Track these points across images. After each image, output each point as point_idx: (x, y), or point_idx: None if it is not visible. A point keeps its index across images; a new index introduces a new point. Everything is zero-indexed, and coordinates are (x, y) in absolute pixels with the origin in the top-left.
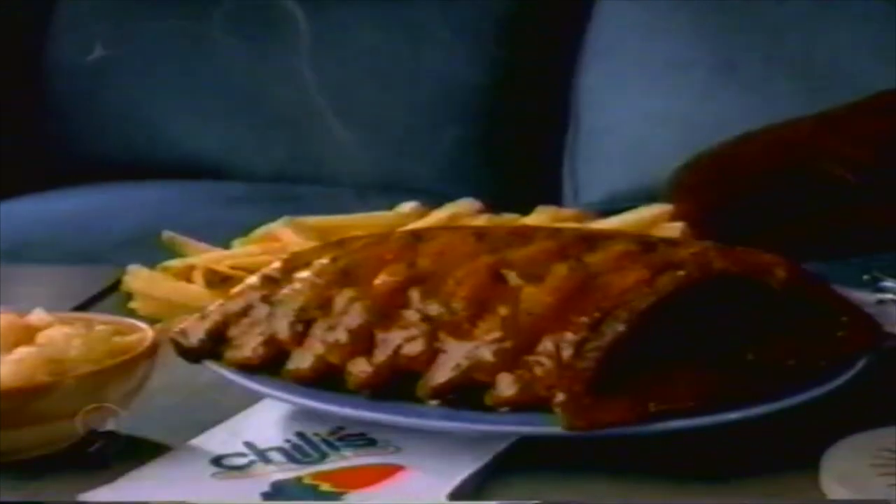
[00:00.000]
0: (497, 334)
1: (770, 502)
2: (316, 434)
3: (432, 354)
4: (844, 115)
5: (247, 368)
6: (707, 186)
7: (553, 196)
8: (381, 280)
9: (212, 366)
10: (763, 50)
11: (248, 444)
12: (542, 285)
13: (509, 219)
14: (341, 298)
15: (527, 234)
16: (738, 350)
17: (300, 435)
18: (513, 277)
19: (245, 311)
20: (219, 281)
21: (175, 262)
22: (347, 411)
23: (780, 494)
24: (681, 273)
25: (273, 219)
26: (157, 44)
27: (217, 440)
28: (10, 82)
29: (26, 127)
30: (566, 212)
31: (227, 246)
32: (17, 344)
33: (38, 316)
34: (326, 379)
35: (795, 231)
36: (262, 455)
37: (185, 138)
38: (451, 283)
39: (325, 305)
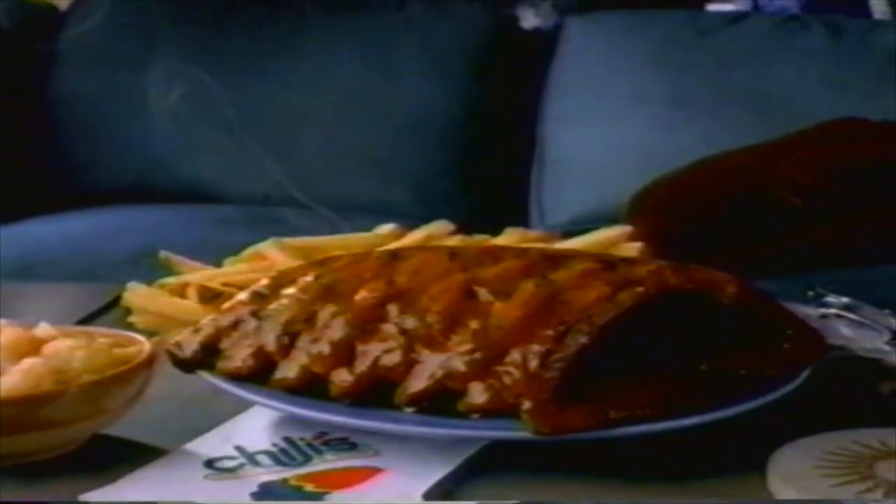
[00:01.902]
0: (469, 346)
1: (722, 502)
2: (301, 438)
3: (409, 365)
4: (791, 142)
5: (237, 378)
6: (663, 209)
7: (521, 218)
8: (361, 296)
9: (205, 375)
10: (716, 83)
11: (239, 448)
12: (510, 301)
13: (480, 239)
14: (324, 313)
15: (496, 254)
16: (692, 360)
17: (286, 439)
18: (483, 294)
19: (235, 325)
20: (211, 297)
21: (171, 280)
22: (330, 417)
23: (731, 494)
24: (639, 289)
25: (261, 239)
26: (155, 80)
27: (209, 444)
28: (20, 116)
29: (35, 155)
30: (533, 233)
31: (218, 264)
32: (24, 355)
33: (43, 329)
34: (311, 387)
35: (746, 250)
36: (252, 458)
37: (181, 166)
38: (427, 299)
39: (309, 319)
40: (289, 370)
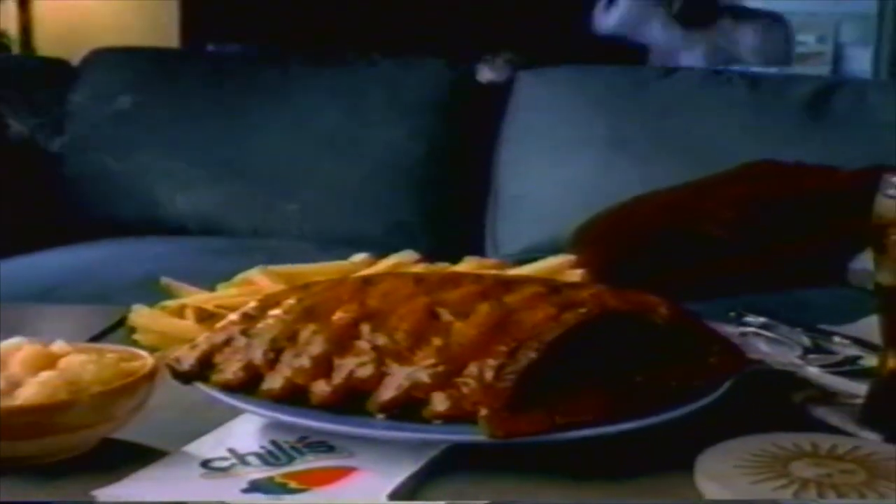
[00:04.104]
0: (432, 360)
1: (657, 501)
2: (286, 441)
3: (380, 377)
4: (714, 182)
5: (229, 388)
6: (603, 240)
7: (478, 249)
8: (337, 316)
9: (200, 386)
10: (650, 130)
11: (231, 450)
12: (468, 321)
13: (442, 267)
14: (305, 331)
15: (456, 280)
16: (629, 373)
17: (273, 442)
18: (445, 314)
19: (227, 342)
20: (206, 317)
21: (171, 303)
22: (311, 423)
23: (662, 490)
24: (581, 310)
25: (250, 267)
26: (156, 129)
27: (205, 447)
28: (40, 161)
29: (51, 193)
30: (488, 261)
31: (213, 289)
32: (41, 368)
33: (59, 346)
34: (294, 397)
35: (675, 276)
36: (242, 459)
37: (179, 203)
38: (395, 319)
39: (292, 337)
40: (274, 382)
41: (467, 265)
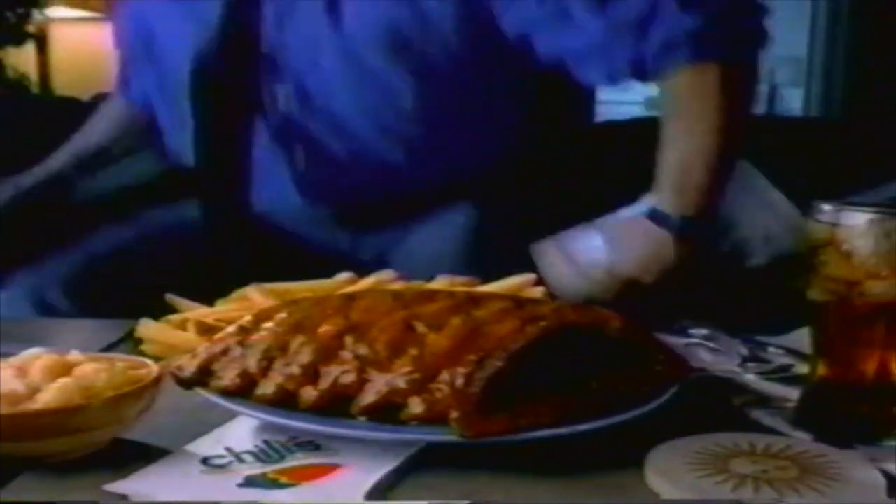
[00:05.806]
0: (409, 368)
1: (611, 495)
2: (277, 441)
3: (362, 383)
4: None
5: (226, 393)
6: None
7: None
8: (324, 329)
9: (201, 392)
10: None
11: (228, 449)
12: (441, 333)
13: (418, 284)
14: (295, 342)
15: (431, 295)
16: (585, 379)
17: (266, 442)
18: (420, 327)
19: (225, 352)
20: (206, 330)
21: (174, 316)
22: (300, 425)
23: (616, 485)
24: (543, 323)
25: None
26: None
27: (205, 446)
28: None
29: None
30: (459, 279)
31: (212, 304)
32: (58, 376)
33: (74, 355)
34: (285, 401)
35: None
36: (238, 457)
37: None
38: (375, 331)
39: (283, 347)
40: (267, 387)
41: (440, 282)
